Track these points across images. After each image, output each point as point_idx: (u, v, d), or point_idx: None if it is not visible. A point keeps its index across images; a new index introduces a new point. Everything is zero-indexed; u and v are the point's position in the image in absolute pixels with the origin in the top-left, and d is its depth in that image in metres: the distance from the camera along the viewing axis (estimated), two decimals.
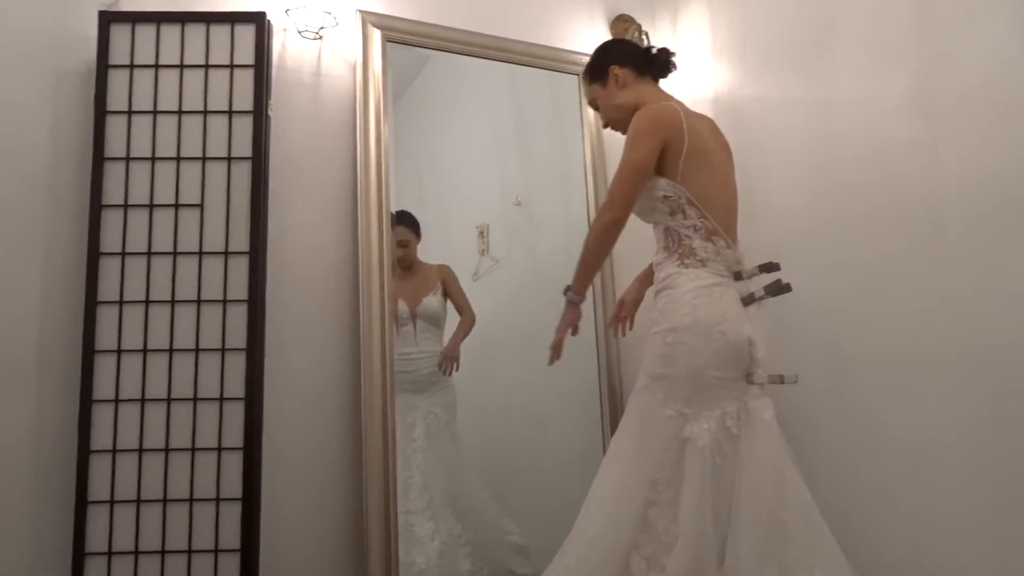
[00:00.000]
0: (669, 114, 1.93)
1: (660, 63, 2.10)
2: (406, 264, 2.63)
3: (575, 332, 1.99)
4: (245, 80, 2.26)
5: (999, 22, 1.83)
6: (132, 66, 2.20)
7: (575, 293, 1.96)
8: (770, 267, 1.92)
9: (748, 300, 1.84)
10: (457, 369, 2.58)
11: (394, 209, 2.45)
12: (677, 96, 2.09)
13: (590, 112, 2.79)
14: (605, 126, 2.18)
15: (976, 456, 1.83)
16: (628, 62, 2.08)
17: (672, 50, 2.12)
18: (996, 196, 1.81)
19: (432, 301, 2.62)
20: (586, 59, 2.85)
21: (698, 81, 2.78)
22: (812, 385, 2.23)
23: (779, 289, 1.84)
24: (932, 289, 1.95)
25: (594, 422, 2.56)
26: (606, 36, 2.94)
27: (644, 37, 2.85)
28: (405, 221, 2.63)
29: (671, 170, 1.90)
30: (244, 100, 2.25)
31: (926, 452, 1.95)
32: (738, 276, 1.89)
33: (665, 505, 1.75)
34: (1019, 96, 1.78)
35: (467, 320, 2.66)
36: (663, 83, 2.14)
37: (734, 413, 1.79)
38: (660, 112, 1.94)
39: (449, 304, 2.67)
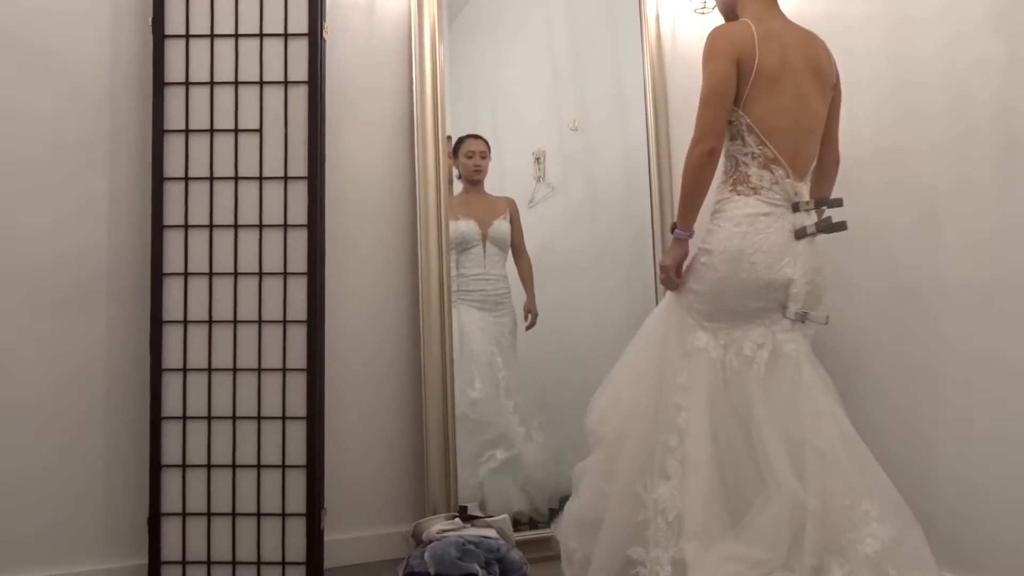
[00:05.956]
0: (739, 33, 1.86)
1: None
2: (476, 180, 2.65)
3: (679, 272, 1.94)
4: (300, 1, 2.23)
5: None
6: None
7: (682, 230, 1.92)
8: (826, 202, 1.91)
9: (800, 234, 1.84)
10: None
11: (450, 132, 2.43)
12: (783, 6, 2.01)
13: (650, 29, 2.70)
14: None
15: None
16: None
17: None
18: None
19: (503, 225, 2.65)
20: None
21: None
22: (878, 317, 2.20)
23: (830, 227, 1.83)
24: (1005, 217, 1.88)
25: None
26: None
27: None
28: (478, 136, 2.65)
29: (736, 93, 1.86)
30: (299, 22, 2.22)
31: (999, 381, 1.91)
32: (796, 208, 1.87)
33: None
34: None
35: (528, 268, 2.71)
36: None
37: (757, 339, 1.82)
38: (728, 31, 1.89)
39: None
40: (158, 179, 2.13)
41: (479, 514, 2.15)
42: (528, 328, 2.62)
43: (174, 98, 2.16)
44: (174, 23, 2.17)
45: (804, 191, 1.90)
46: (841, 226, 1.84)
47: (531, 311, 2.67)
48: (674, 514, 1.74)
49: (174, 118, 2.15)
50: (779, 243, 1.83)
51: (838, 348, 2.19)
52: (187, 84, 2.16)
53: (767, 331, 1.83)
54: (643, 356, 1.95)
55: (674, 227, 1.95)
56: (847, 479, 1.69)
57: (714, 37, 1.88)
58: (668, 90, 2.71)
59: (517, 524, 2.19)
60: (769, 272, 1.81)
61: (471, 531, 2.04)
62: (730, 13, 2.02)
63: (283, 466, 2.13)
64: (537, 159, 2.70)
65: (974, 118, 1.95)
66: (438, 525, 2.07)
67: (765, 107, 1.85)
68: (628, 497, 1.83)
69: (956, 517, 1.93)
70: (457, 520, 2.10)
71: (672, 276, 1.92)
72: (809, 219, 1.86)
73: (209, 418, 2.11)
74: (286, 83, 2.21)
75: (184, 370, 2.11)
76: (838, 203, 1.92)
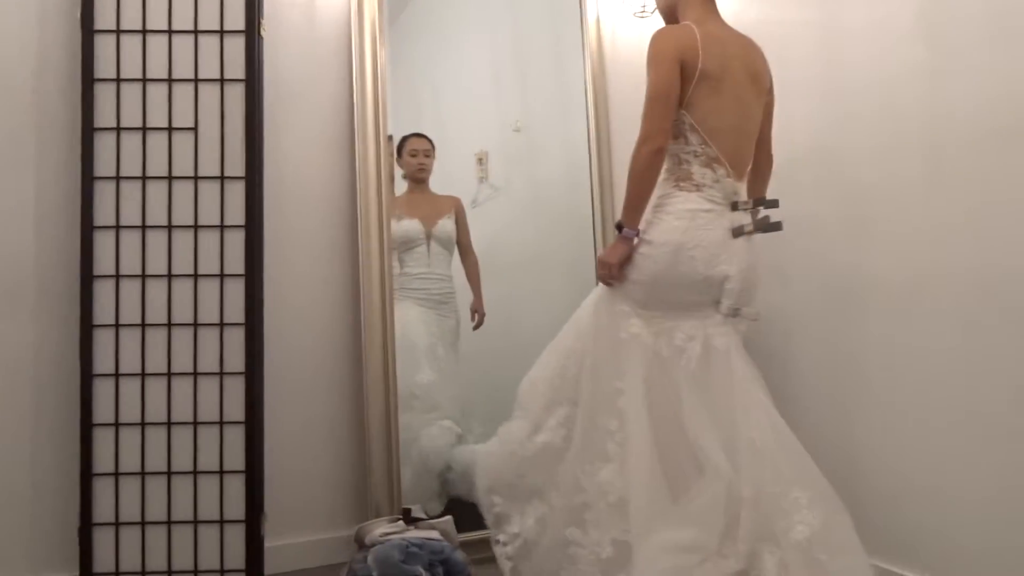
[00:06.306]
0: (683, 35, 1.90)
1: None
2: (421, 178, 2.63)
3: (621, 269, 1.94)
4: None
5: None
6: None
7: (630, 228, 1.92)
8: (763, 202, 1.96)
9: (738, 232, 1.88)
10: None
11: (392, 132, 2.42)
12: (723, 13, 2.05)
13: (591, 32, 2.72)
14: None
15: (981, 380, 1.85)
16: None
17: None
18: (996, 121, 1.79)
19: (447, 224, 2.65)
20: None
21: None
22: (810, 310, 2.26)
23: (767, 226, 1.88)
24: (929, 216, 1.95)
25: None
26: None
27: None
28: (422, 135, 2.65)
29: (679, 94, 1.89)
30: (236, 19, 2.18)
31: (922, 370, 1.97)
32: (735, 206, 1.91)
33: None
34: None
35: (475, 267, 2.71)
36: None
37: (689, 331, 1.87)
38: (672, 33, 1.92)
39: None
40: (88, 178, 2.06)
41: (423, 516, 2.13)
42: (475, 328, 2.62)
43: (105, 95, 2.09)
44: (104, 18, 2.10)
45: (743, 191, 1.96)
46: (777, 226, 1.88)
47: (478, 311, 2.67)
48: (615, 496, 1.77)
49: (105, 115, 2.09)
50: (718, 240, 1.87)
51: (771, 341, 2.24)
52: (118, 80, 2.10)
53: (700, 324, 1.87)
54: (569, 338, 1.99)
55: (619, 226, 1.96)
56: (778, 468, 1.73)
57: (658, 39, 1.90)
58: (609, 92, 2.74)
59: (460, 525, 2.18)
60: (707, 268, 1.85)
61: (415, 533, 2.02)
62: (671, 16, 2.05)
63: (221, 472, 2.08)
64: (480, 160, 2.70)
65: (901, 122, 2.02)
66: (381, 528, 2.05)
67: (707, 108, 1.89)
68: (567, 480, 1.86)
69: (882, 505, 1.99)
70: (400, 523, 2.08)
71: (614, 273, 1.94)
72: (746, 218, 1.91)
73: (143, 424, 2.06)
74: (222, 80, 2.16)
75: (116, 375, 2.04)
76: (774, 204, 1.97)
